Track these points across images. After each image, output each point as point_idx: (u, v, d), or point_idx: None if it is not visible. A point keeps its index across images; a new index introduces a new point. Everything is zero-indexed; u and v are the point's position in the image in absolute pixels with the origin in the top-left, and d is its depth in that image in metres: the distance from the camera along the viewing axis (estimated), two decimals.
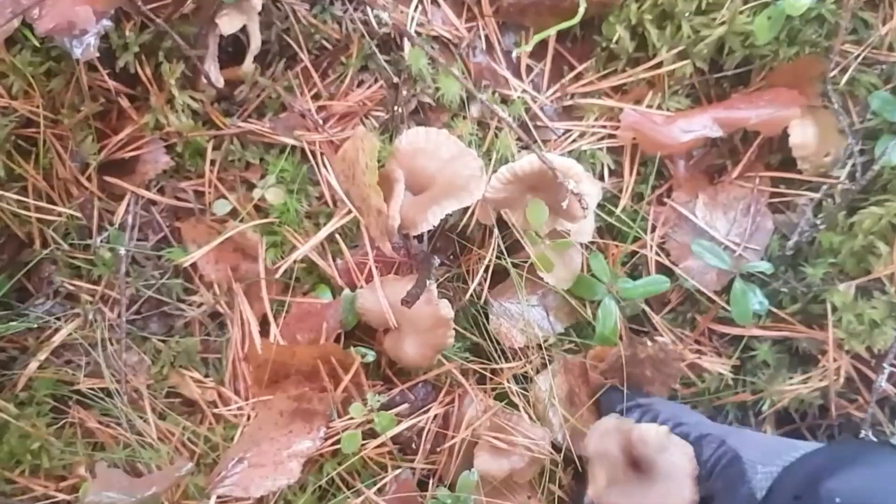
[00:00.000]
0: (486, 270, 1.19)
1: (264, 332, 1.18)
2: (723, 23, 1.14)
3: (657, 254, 1.23)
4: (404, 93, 1.16)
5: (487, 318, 1.21)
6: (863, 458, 0.93)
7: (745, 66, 1.20)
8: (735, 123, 1.18)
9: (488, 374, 1.20)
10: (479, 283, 1.19)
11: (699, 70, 1.20)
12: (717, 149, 1.25)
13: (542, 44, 1.22)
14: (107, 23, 1.05)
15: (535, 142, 1.21)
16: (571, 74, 1.22)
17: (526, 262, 1.15)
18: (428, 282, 1.11)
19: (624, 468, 1.06)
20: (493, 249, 1.17)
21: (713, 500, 1.02)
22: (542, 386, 1.18)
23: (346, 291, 1.17)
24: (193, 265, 1.19)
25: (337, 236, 1.18)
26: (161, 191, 1.20)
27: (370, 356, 1.15)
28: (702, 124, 1.18)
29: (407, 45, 1.16)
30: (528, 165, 1.09)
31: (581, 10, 0.98)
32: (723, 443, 1.03)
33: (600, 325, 1.18)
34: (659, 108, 1.21)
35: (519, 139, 1.19)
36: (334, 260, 1.19)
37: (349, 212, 1.16)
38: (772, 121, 1.17)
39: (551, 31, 1.06)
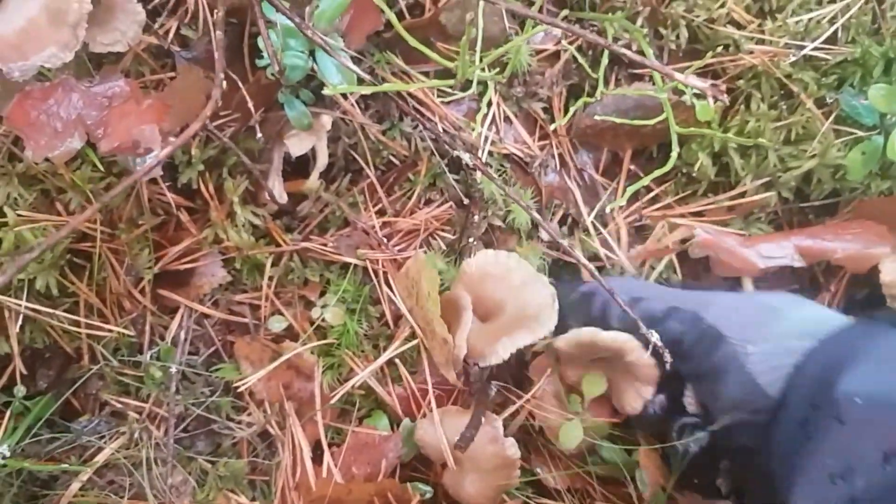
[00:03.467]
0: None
1: (317, 457, 1.12)
2: (814, 155, 1.09)
3: None
4: (476, 218, 1.10)
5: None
6: (877, 342, 0.82)
7: (833, 197, 1.14)
8: (819, 255, 1.12)
9: None
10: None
11: (783, 198, 1.14)
12: (795, 274, 1.18)
13: (617, 161, 1.17)
14: (172, 140, 1.01)
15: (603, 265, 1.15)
16: (648, 197, 1.17)
17: None
18: (494, 419, 1.06)
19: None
20: None
21: (698, 382, 0.93)
22: None
23: (406, 422, 1.11)
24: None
25: (397, 361, 1.12)
26: (215, 304, 1.15)
27: (428, 493, 1.09)
28: (784, 252, 1.12)
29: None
30: (588, 337, 1.01)
31: (674, 156, 0.93)
32: (698, 318, 0.92)
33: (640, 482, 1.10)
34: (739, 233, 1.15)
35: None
36: (393, 385, 1.13)
37: (411, 335, 1.11)
38: (860, 257, 1.10)
39: (645, 182, 0.98)
